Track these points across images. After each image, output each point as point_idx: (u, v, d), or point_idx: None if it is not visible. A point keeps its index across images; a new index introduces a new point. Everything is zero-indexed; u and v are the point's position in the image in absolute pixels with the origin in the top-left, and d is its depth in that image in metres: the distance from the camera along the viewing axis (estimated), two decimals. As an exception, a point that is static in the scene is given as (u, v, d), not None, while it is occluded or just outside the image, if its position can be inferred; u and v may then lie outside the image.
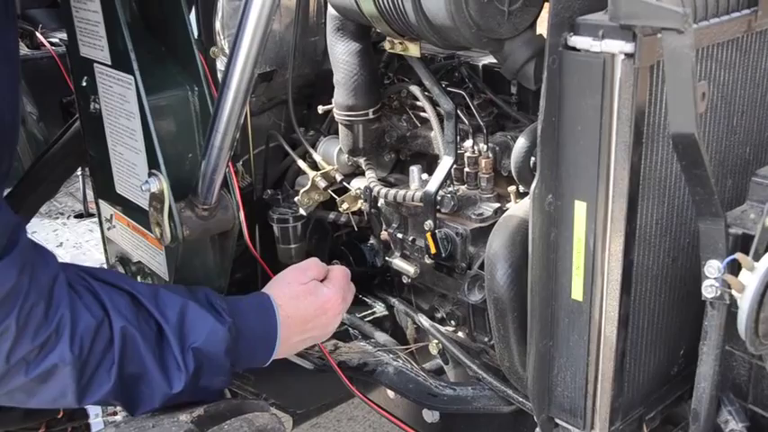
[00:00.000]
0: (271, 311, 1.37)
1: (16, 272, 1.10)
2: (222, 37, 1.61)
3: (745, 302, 0.97)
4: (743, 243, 1.01)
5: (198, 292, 1.32)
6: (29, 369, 1.12)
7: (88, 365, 1.16)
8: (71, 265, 1.27)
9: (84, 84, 1.56)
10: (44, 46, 2.52)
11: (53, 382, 1.15)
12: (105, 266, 1.66)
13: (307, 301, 1.41)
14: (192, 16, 1.55)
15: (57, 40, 2.55)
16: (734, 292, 0.98)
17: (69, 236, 2.16)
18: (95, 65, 1.50)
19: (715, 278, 1.00)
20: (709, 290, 1.01)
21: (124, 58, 1.41)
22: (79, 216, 2.26)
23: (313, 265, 1.49)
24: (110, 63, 1.46)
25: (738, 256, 0.98)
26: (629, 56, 0.97)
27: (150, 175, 1.43)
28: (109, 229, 1.67)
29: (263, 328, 1.36)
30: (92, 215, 2.19)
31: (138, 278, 1.62)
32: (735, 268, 0.99)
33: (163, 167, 1.42)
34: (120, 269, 1.65)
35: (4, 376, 1.12)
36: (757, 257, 0.98)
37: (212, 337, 1.26)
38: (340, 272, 1.51)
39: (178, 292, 1.30)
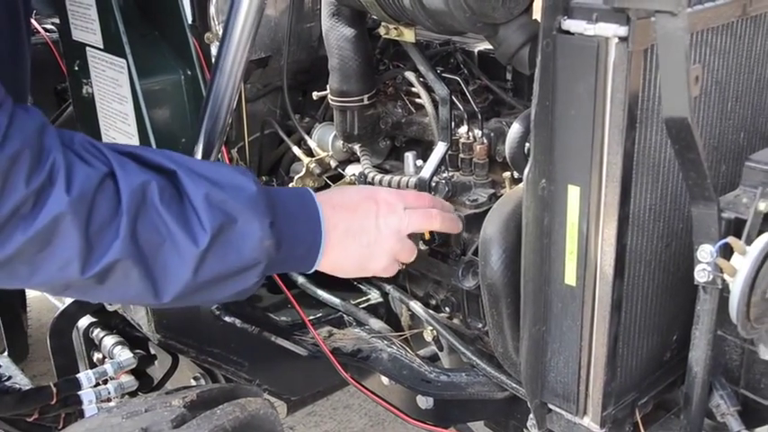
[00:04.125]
0: (307, 194, 1.19)
1: None
2: (217, 22, 1.60)
3: (736, 286, 0.97)
4: (735, 227, 1.01)
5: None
6: (27, 223, 0.95)
7: (92, 218, 0.98)
8: (77, 133, 1.08)
9: (77, 68, 1.55)
10: (38, 32, 2.50)
11: (56, 243, 0.97)
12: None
13: (351, 190, 1.30)
14: (187, 1, 1.54)
15: (51, 26, 2.53)
16: (726, 276, 0.98)
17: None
18: (88, 48, 1.49)
19: (707, 262, 0.99)
20: (701, 274, 1.01)
21: (116, 42, 1.40)
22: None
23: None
24: (102, 47, 1.45)
25: (731, 240, 0.98)
26: (622, 39, 0.97)
27: (143, 159, 1.42)
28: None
29: (301, 200, 1.17)
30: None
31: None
32: (727, 252, 0.99)
33: (156, 152, 1.41)
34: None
35: None
36: (749, 241, 0.98)
37: (237, 189, 1.07)
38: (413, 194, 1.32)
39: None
